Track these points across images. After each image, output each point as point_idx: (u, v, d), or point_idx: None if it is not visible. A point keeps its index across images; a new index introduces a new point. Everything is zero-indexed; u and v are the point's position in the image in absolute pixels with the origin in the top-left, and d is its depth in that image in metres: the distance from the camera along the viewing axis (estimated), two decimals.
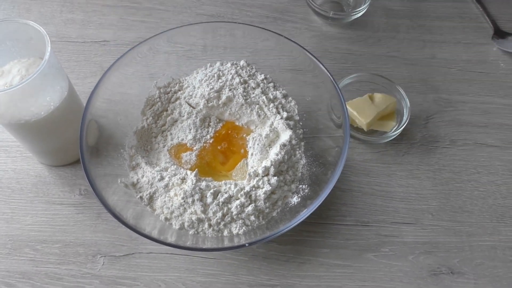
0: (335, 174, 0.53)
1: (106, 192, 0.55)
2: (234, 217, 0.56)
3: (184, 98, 0.65)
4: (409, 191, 0.65)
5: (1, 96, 0.52)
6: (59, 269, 0.60)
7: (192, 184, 0.56)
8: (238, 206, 0.55)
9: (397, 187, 0.66)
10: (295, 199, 0.59)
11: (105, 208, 0.52)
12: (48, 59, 0.53)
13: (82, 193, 0.65)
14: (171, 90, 0.66)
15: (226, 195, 0.55)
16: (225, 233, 0.56)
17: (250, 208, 0.56)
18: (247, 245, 0.50)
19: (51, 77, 0.56)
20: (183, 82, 0.67)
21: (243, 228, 0.56)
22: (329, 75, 0.60)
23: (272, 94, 0.65)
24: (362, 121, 0.66)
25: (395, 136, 0.68)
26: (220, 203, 0.55)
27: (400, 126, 0.67)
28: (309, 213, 0.52)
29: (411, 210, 0.64)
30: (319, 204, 0.52)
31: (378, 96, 0.68)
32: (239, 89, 0.63)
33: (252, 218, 0.56)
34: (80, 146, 0.54)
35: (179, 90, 0.66)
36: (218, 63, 0.67)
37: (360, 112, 0.67)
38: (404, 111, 0.68)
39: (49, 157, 0.66)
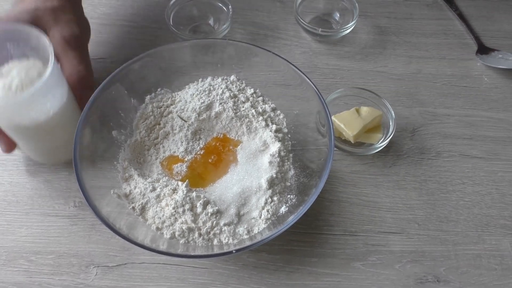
0: (320, 183, 0.54)
1: (100, 203, 0.56)
2: (223, 227, 0.57)
3: (176, 112, 0.65)
4: (396, 201, 0.66)
5: (2, 101, 0.53)
6: (53, 279, 0.60)
7: (183, 194, 0.57)
8: (228, 216, 0.56)
9: (384, 198, 0.66)
10: (283, 209, 0.61)
11: (98, 219, 0.53)
12: (51, 67, 0.53)
13: (77, 205, 0.66)
14: (163, 105, 0.67)
15: (216, 208, 0.57)
16: (215, 242, 0.57)
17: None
18: (234, 251, 0.51)
19: (53, 84, 0.56)
20: (175, 97, 0.68)
21: (232, 237, 0.57)
22: (315, 89, 0.62)
23: (261, 108, 0.67)
24: (349, 133, 0.67)
25: (381, 148, 0.68)
26: (209, 214, 0.57)
27: (386, 138, 0.68)
28: (295, 220, 0.53)
29: (398, 220, 0.64)
30: (305, 211, 0.53)
31: (364, 109, 0.69)
32: (229, 103, 0.65)
33: (242, 228, 0.57)
34: (74, 160, 0.55)
35: (172, 105, 0.67)
36: (209, 78, 0.68)
37: (347, 124, 0.68)
38: (390, 124, 0.69)
39: (45, 156, 0.67)
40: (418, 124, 0.75)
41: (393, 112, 0.70)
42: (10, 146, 0.62)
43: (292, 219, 0.53)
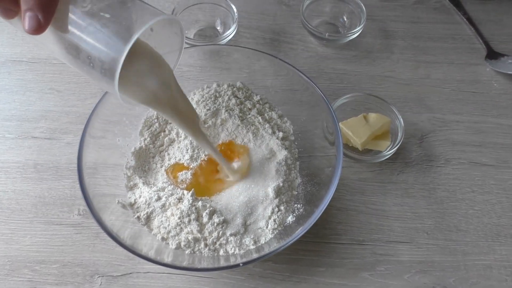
0: (329, 193, 0.54)
1: (104, 212, 0.55)
2: (230, 237, 0.56)
3: None
4: (404, 210, 0.65)
5: None
6: None
7: (188, 203, 0.56)
8: (235, 226, 0.56)
9: (392, 206, 0.65)
10: (290, 219, 0.60)
11: (102, 229, 0.52)
12: None
13: (81, 213, 0.66)
14: None
15: (222, 217, 0.56)
16: (221, 252, 0.56)
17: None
18: (241, 264, 0.50)
19: None
20: None
21: (239, 247, 0.56)
22: (322, 95, 0.61)
23: (268, 115, 0.66)
24: (356, 140, 0.66)
25: (390, 155, 0.67)
26: (215, 223, 0.56)
27: (395, 145, 0.67)
28: (303, 232, 0.52)
29: (406, 229, 0.63)
30: (313, 222, 0.52)
31: (372, 116, 0.68)
32: (235, 110, 0.64)
33: (248, 239, 0.56)
34: (78, 167, 0.55)
35: None
36: (215, 85, 0.68)
37: (354, 132, 0.67)
38: (399, 131, 0.68)
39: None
40: (426, 131, 0.73)
41: (401, 119, 0.69)
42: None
43: (300, 231, 0.52)
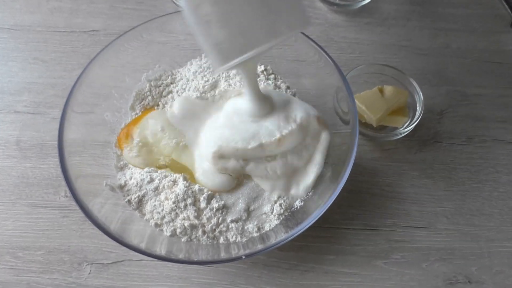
0: (343, 176, 0.48)
1: (89, 194, 0.50)
2: (230, 224, 0.51)
3: (177, 92, 0.61)
4: (422, 192, 0.61)
5: None
6: (42, 278, 0.55)
7: (184, 186, 0.51)
8: (236, 212, 0.50)
9: (408, 188, 0.61)
10: (298, 203, 0.55)
11: (84, 215, 0.47)
12: None
13: (68, 195, 0.61)
14: (162, 83, 0.62)
15: (222, 202, 0.51)
16: (221, 240, 0.51)
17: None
18: (243, 257, 0.45)
19: None
20: (175, 75, 0.63)
21: (241, 235, 0.51)
22: (335, 65, 0.55)
23: (274, 87, 0.61)
24: (371, 116, 0.61)
25: (407, 133, 0.62)
26: (214, 209, 0.51)
27: (413, 122, 0.62)
28: (314, 220, 0.47)
29: (424, 213, 0.60)
30: (325, 209, 0.47)
31: (388, 89, 0.63)
32: (235, 79, 0.59)
33: (251, 225, 0.51)
34: (59, 144, 0.49)
35: (172, 83, 0.62)
36: None
37: (369, 106, 0.61)
38: (418, 105, 0.63)
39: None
40: (446, 105, 0.69)
41: (421, 92, 0.64)
42: None
43: (311, 218, 0.46)
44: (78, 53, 0.74)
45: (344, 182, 0.48)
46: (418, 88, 0.64)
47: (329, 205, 0.47)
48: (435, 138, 0.66)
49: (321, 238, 0.58)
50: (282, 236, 0.47)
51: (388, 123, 0.64)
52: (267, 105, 0.52)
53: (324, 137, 0.54)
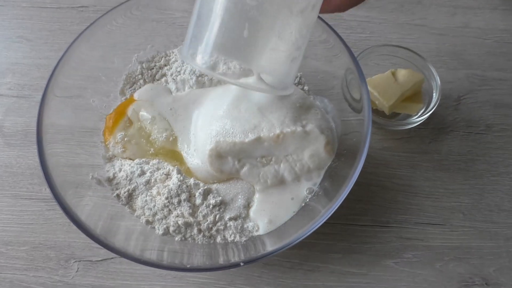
0: (355, 170, 0.44)
1: (75, 187, 0.48)
2: (229, 222, 0.48)
3: (171, 75, 0.57)
4: (436, 186, 0.58)
5: None
6: (26, 276, 0.52)
7: (178, 181, 0.48)
8: (235, 208, 0.47)
9: (422, 181, 0.58)
10: (304, 193, 0.51)
11: (61, 209, 0.43)
12: None
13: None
14: (155, 65, 0.58)
15: (219, 198, 0.48)
16: (218, 239, 0.48)
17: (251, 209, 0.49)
18: (242, 264, 0.41)
19: None
20: (170, 56, 0.59)
21: (240, 234, 0.48)
22: (345, 46, 0.51)
23: None
24: (383, 102, 0.57)
25: (422, 121, 0.59)
26: (211, 205, 0.47)
27: (429, 109, 0.58)
28: (324, 220, 0.43)
29: (439, 209, 0.57)
30: (336, 207, 0.43)
31: (402, 73, 0.59)
32: (235, 61, 0.53)
33: (252, 224, 0.48)
34: (37, 131, 0.45)
35: (165, 65, 0.58)
36: None
37: (381, 92, 0.58)
38: (434, 91, 0.59)
39: None
40: (464, 91, 0.65)
41: (437, 76, 0.60)
42: None
43: (320, 218, 0.43)
44: (66, 31, 0.69)
45: (356, 177, 0.44)
46: (434, 72, 0.60)
47: (340, 201, 0.44)
48: (452, 127, 0.62)
49: (326, 234, 0.54)
50: (286, 239, 0.43)
51: (401, 110, 0.60)
52: (285, 100, 0.50)
53: (323, 163, 0.50)
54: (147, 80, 0.57)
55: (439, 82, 0.59)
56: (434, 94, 0.59)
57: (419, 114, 0.59)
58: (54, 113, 0.50)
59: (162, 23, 0.61)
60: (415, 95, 0.60)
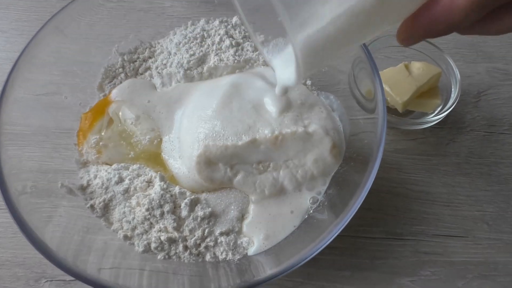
0: (368, 175, 0.39)
1: (45, 195, 0.45)
2: (219, 237, 0.43)
3: (156, 68, 0.52)
4: (456, 192, 0.54)
5: None
6: None
7: (160, 189, 0.43)
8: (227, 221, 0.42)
9: (440, 187, 0.54)
10: (309, 205, 0.45)
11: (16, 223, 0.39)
12: None
13: (28, 191, 0.49)
14: (138, 57, 0.54)
15: (208, 209, 0.43)
16: (208, 257, 0.43)
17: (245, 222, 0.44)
18: None
19: None
20: (155, 47, 0.55)
21: (233, 251, 0.43)
22: None
23: None
24: (396, 99, 0.53)
25: (439, 120, 0.55)
26: (199, 218, 0.42)
27: (447, 106, 0.54)
28: (332, 238, 0.38)
29: (460, 218, 0.53)
30: (347, 221, 0.38)
31: (417, 66, 0.55)
32: (228, 53, 0.50)
33: (246, 239, 0.43)
34: None
35: (150, 58, 0.54)
36: (202, 21, 0.55)
37: (393, 87, 0.53)
38: (453, 87, 0.55)
39: None
40: (485, 86, 0.61)
41: (457, 69, 0.56)
42: None
43: (324, 238, 0.38)
44: (44, 22, 0.63)
45: (370, 185, 0.39)
46: (453, 64, 0.56)
47: (353, 214, 0.38)
48: (471, 126, 0.58)
49: (333, 249, 0.50)
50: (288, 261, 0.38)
51: (416, 107, 0.56)
52: (284, 97, 0.45)
53: (329, 169, 0.45)
54: (129, 74, 0.53)
55: (458, 76, 0.55)
56: (453, 89, 0.55)
57: (436, 112, 0.55)
58: (22, 112, 0.47)
59: (150, 13, 0.58)
60: (432, 91, 0.56)
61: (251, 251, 0.42)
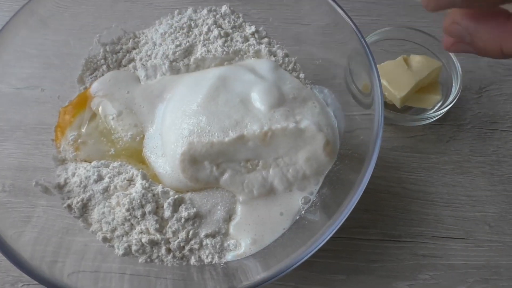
0: (364, 174, 0.37)
1: (23, 195, 0.43)
2: (205, 239, 0.41)
3: (141, 59, 0.50)
4: (457, 192, 0.53)
5: None
6: None
7: (142, 188, 0.41)
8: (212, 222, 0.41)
9: (440, 187, 0.53)
10: (300, 205, 0.44)
11: None
12: None
13: (6, 189, 0.49)
14: (122, 48, 0.52)
15: (193, 210, 0.41)
16: (192, 261, 0.41)
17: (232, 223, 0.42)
18: None
19: None
20: (139, 37, 0.53)
21: (219, 254, 0.41)
22: (353, 25, 0.44)
23: (266, 53, 0.50)
24: (394, 93, 0.52)
25: (439, 116, 0.54)
26: (183, 219, 0.40)
27: (447, 102, 0.53)
28: (325, 240, 0.37)
29: (460, 219, 0.52)
30: (341, 223, 0.37)
31: (416, 59, 0.54)
32: (216, 43, 0.48)
33: (233, 241, 0.41)
34: None
35: (134, 48, 0.52)
36: (189, 10, 0.53)
37: (392, 81, 0.52)
38: (454, 81, 0.54)
39: None
40: (486, 81, 0.59)
41: (458, 63, 0.54)
42: None
43: (317, 240, 0.36)
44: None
45: (366, 184, 0.37)
46: (455, 58, 0.54)
47: (347, 215, 0.37)
48: (473, 123, 0.57)
49: (327, 251, 0.48)
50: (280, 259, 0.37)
51: (415, 103, 0.55)
52: (274, 91, 0.44)
53: (322, 167, 0.43)
54: (111, 66, 0.51)
55: (460, 70, 0.53)
56: (453, 84, 0.53)
57: (436, 108, 0.54)
58: (1, 106, 0.46)
59: (137, 4, 0.56)
60: (431, 86, 0.55)
61: (232, 255, 0.40)
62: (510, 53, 0.29)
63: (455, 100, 0.52)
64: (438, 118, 0.54)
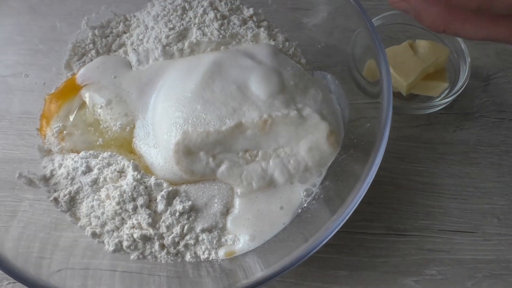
0: (371, 165, 0.36)
1: (8, 188, 0.43)
2: (201, 234, 0.40)
3: (132, 44, 0.48)
4: (464, 184, 0.52)
5: None
6: None
7: (133, 180, 0.39)
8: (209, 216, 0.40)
9: (446, 178, 0.52)
10: (303, 198, 0.43)
11: None
12: None
13: None
14: (112, 32, 0.51)
15: (188, 203, 0.40)
16: (188, 257, 0.40)
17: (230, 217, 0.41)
18: None
19: None
20: (130, 20, 0.52)
21: (216, 250, 0.39)
22: (358, 7, 0.43)
23: (265, 37, 0.49)
24: (400, 80, 0.50)
25: (445, 105, 0.52)
26: (178, 213, 0.39)
27: (454, 89, 0.51)
28: (329, 236, 0.35)
29: (468, 212, 0.51)
30: (346, 218, 0.35)
31: (423, 45, 0.52)
32: (212, 27, 0.46)
33: (231, 236, 0.40)
34: None
35: (125, 32, 0.51)
36: None
37: (397, 67, 0.50)
38: (462, 68, 0.52)
39: None
40: (494, 69, 0.58)
41: (466, 49, 0.53)
42: None
43: (320, 237, 0.35)
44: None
45: (373, 176, 0.36)
46: (463, 44, 0.53)
47: (353, 209, 0.36)
48: (480, 112, 0.56)
49: (329, 246, 0.46)
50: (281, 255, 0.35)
51: (421, 91, 0.53)
52: (274, 77, 0.42)
53: (325, 158, 0.42)
54: (100, 51, 0.50)
55: (468, 57, 0.52)
56: (461, 71, 0.52)
57: (443, 95, 0.52)
58: None
59: None
60: (438, 73, 0.53)
61: (230, 251, 0.39)
62: (451, 34, 0.34)
63: (463, 88, 0.50)
64: (444, 107, 0.53)
